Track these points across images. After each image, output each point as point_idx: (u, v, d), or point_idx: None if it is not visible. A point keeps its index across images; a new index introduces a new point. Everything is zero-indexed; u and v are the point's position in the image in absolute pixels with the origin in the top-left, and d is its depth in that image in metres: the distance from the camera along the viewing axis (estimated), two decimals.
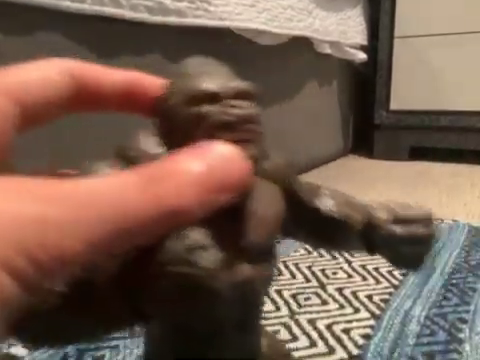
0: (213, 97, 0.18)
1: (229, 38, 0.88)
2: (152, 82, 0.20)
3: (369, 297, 0.52)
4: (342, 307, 0.50)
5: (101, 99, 0.20)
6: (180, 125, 0.18)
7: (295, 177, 0.24)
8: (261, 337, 0.24)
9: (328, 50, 1.27)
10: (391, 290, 0.54)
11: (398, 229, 0.23)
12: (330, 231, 0.25)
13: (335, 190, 0.26)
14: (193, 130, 0.17)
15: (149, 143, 0.19)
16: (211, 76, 0.18)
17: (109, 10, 0.61)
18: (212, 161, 0.15)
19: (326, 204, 0.25)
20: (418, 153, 1.47)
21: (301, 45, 1.16)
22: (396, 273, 0.58)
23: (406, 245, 0.23)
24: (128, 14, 0.64)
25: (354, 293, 0.53)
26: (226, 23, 0.83)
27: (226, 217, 0.19)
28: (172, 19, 0.71)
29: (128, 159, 0.19)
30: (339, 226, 0.25)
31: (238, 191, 0.16)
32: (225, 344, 0.21)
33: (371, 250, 0.25)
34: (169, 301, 0.15)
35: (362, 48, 1.46)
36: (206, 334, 0.20)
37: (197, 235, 0.16)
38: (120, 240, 0.13)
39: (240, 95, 0.18)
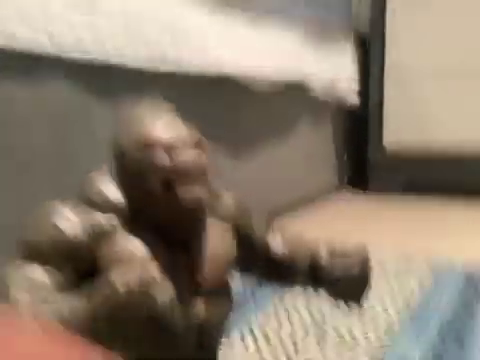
0: (165, 145, 0.20)
1: (226, 84, 0.92)
2: None
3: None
4: None
5: None
6: (133, 171, 0.20)
7: (248, 217, 0.27)
8: None
9: (321, 94, 1.33)
10: None
11: (335, 268, 0.26)
12: (280, 269, 0.28)
13: (285, 231, 0.29)
14: (146, 176, 0.20)
15: (108, 186, 0.21)
16: (163, 124, 0.21)
17: (112, 60, 0.66)
18: None
19: (276, 245, 0.28)
20: (413, 187, 1.48)
21: (296, 89, 1.22)
22: None
23: (343, 282, 0.25)
24: (129, 63, 0.69)
25: None
26: (223, 70, 0.88)
27: (179, 256, 0.21)
28: (170, 67, 0.76)
29: (91, 203, 0.21)
30: (288, 265, 0.28)
31: None
32: None
33: (315, 286, 0.28)
34: (129, 335, 0.16)
35: (354, 91, 1.53)
36: None
37: (152, 270, 0.17)
38: None
39: (190, 144, 0.21)
